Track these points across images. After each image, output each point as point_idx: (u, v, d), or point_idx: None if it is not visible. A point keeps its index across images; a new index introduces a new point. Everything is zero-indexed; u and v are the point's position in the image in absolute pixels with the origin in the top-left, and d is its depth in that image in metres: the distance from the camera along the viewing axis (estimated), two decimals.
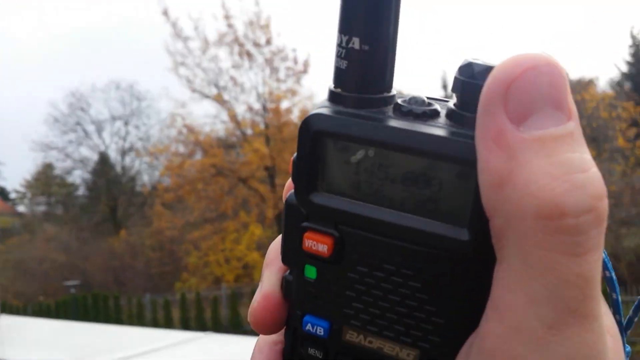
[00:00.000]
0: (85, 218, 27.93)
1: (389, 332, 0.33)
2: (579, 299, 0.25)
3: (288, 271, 0.37)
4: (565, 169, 0.25)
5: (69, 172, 29.09)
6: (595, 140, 20.19)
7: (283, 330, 0.38)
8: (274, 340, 0.39)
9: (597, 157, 19.25)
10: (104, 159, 28.21)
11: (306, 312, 0.35)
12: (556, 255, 0.25)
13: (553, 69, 0.26)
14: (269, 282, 0.37)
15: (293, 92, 20.17)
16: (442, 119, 0.30)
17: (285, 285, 0.37)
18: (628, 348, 0.34)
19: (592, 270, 0.25)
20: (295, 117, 20.31)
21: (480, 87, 0.27)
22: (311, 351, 0.36)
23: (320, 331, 0.35)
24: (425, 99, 0.31)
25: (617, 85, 22.82)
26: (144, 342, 3.14)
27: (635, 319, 0.35)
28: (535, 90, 0.26)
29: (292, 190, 0.34)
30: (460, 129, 0.29)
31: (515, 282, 0.26)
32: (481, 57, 0.29)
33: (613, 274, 0.33)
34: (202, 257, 20.11)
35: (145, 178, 29.14)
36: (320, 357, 0.35)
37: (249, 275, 19.78)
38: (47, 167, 29.20)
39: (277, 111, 19.95)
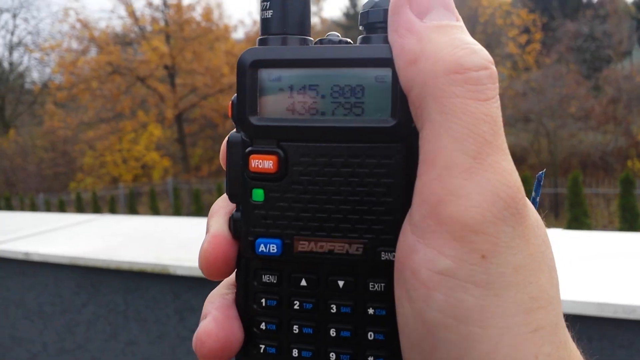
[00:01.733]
0: None
1: (337, 232, 0.37)
2: (491, 132, 0.31)
3: (235, 210, 0.39)
4: (463, 41, 0.33)
5: None
6: (489, 46, 20.95)
7: (232, 281, 0.41)
8: (223, 292, 0.41)
9: None
10: None
11: (257, 236, 0.38)
12: (467, 100, 0.31)
13: None
14: (217, 225, 0.40)
15: None
16: (357, 43, 0.37)
17: (234, 224, 0.39)
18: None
19: (495, 112, 0.31)
20: (198, 14, 19.70)
21: (381, 9, 0.35)
22: (265, 278, 0.39)
23: (273, 249, 0.38)
24: (341, 36, 0.38)
25: None
26: (42, 224, 3.24)
27: (538, 198, 0.42)
28: None
29: (232, 132, 0.39)
30: (371, 44, 0.36)
31: (438, 129, 0.31)
32: None
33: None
34: (98, 158, 19.65)
35: (35, 75, 27.66)
36: (275, 282, 0.38)
37: (147, 175, 19.63)
38: None
39: (179, 7, 19.22)
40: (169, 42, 19.07)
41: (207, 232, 0.40)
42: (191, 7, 19.58)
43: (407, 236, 0.34)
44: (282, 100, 0.36)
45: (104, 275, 2.45)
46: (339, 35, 0.37)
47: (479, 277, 0.31)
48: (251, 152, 0.37)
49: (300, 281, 0.38)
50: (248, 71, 0.36)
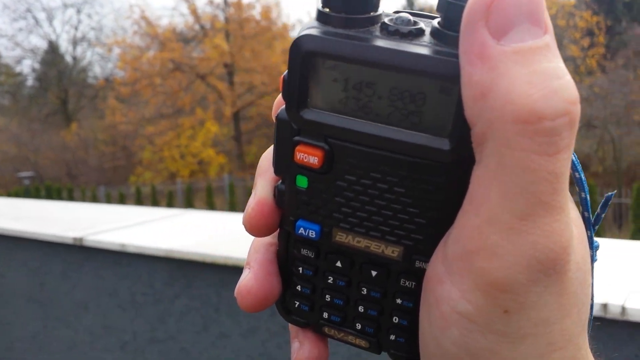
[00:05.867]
0: (34, 109, 27.29)
1: (376, 232, 0.36)
2: (549, 192, 0.28)
3: (280, 181, 0.39)
4: (542, 77, 0.27)
5: (17, 61, 28.16)
6: None
7: (277, 233, 0.42)
8: (269, 241, 0.42)
9: None
10: (54, 48, 27.30)
11: (298, 217, 0.38)
12: (531, 154, 0.27)
13: None
14: (262, 190, 0.40)
15: None
16: (427, 37, 0.32)
17: (278, 194, 0.39)
18: (597, 243, 0.38)
19: (562, 167, 0.28)
20: (258, 13, 19.93)
21: (463, 7, 0.29)
22: (304, 252, 0.39)
23: (312, 234, 0.38)
24: (411, 18, 0.33)
25: None
26: (136, 216, 3.34)
27: (602, 215, 0.38)
28: (514, 7, 0.28)
29: (283, 107, 0.36)
30: (444, 47, 0.31)
31: (491, 179, 0.28)
32: None
33: (582, 175, 0.37)
34: (157, 153, 20.13)
35: (97, 70, 28.53)
36: (312, 256, 0.39)
37: (203, 171, 19.98)
38: None
39: (239, 6, 19.50)
40: (229, 40, 19.37)
41: (253, 193, 0.41)
42: (251, 6, 19.89)
43: (438, 262, 0.33)
44: (335, 92, 0.34)
45: (197, 269, 2.51)
46: (410, 17, 0.33)
47: (496, 327, 0.30)
48: (297, 143, 0.36)
49: (336, 262, 0.39)
50: (302, 59, 0.33)
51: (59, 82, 26.61)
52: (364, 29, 0.33)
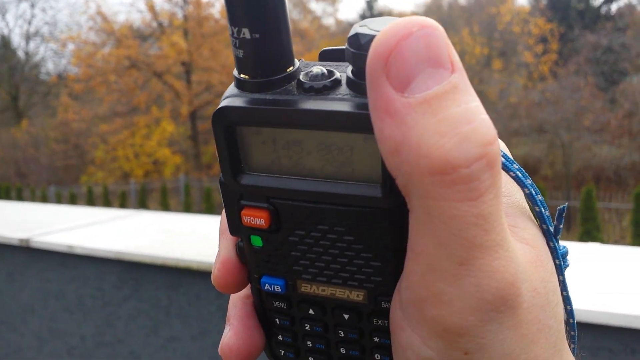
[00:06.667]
0: None
1: (337, 279, 0.36)
2: (481, 235, 0.27)
3: (240, 239, 0.39)
4: (451, 123, 0.26)
5: None
6: (504, 54, 20.99)
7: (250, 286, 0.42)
8: (245, 294, 0.43)
9: (504, 70, 20.14)
10: (6, 43, 26.59)
11: (262, 274, 0.39)
12: (454, 203, 0.27)
13: (427, 31, 0.27)
14: (225, 250, 0.40)
15: None
16: (344, 87, 0.32)
17: (240, 252, 0.40)
18: (565, 248, 0.38)
19: (489, 208, 0.27)
20: (217, 11, 19.72)
21: (366, 57, 0.28)
22: (276, 304, 0.40)
23: (277, 289, 0.38)
24: (325, 70, 0.33)
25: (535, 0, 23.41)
26: (86, 217, 3.27)
27: (561, 226, 0.38)
28: (412, 55, 0.27)
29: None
30: (359, 98, 0.31)
31: (424, 229, 0.28)
32: (370, 23, 0.31)
33: (532, 189, 0.37)
34: (110, 152, 19.77)
35: (51, 66, 27.92)
36: (285, 307, 0.40)
37: (158, 171, 19.71)
38: None
39: (198, 4, 19.29)
40: (187, 38, 19.15)
41: (217, 253, 0.41)
42: (210, 4, 19.68)
43: (396, 308, 0.33)
44: (266, 154, 0.34)
45: (147, 271, 2.48)
46: (324, 70, 0.33)
47: None
48: (242, 207, 0.36)
49: (308, 310, 0.39)
50: (225, 131, 0.33)
51: (10, 77, 25.92)
52: (282, 88, 0.33)
